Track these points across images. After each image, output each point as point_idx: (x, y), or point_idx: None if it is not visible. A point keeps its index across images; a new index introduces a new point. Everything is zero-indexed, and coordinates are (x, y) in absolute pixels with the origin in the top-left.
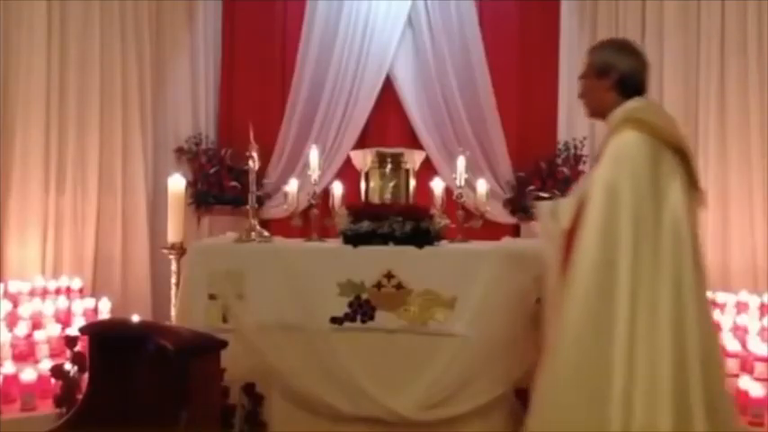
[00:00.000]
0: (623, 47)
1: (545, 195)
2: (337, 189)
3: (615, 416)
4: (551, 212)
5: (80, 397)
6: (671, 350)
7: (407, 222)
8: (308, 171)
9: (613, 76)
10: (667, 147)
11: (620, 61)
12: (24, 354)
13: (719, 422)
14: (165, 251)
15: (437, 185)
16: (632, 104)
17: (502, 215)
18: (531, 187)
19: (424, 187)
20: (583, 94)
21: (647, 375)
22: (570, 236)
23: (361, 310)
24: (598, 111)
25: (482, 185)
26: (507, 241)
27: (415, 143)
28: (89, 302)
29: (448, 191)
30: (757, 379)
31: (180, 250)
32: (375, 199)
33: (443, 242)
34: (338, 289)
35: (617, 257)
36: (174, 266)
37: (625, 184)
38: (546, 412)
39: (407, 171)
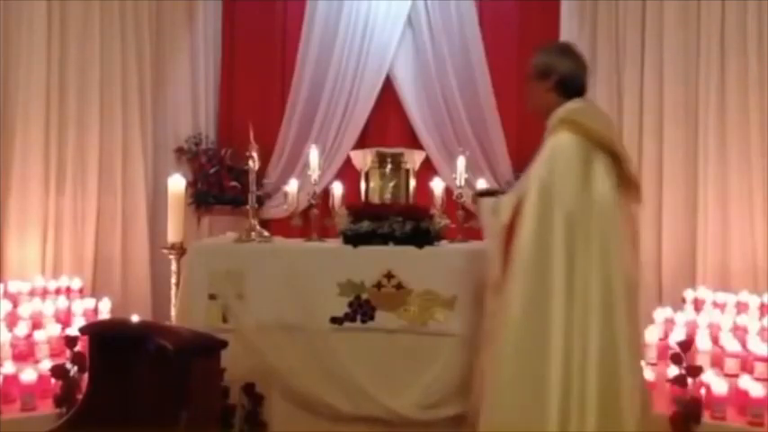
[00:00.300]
0: (563, 50)
1: (487, 190)
2: (337, 189)
3: (553, 416)
4: (492, 209)
5: (80, 397)
6: (599, 345)
7: (407, 222)
8: (308, 171)
9: (553, 77)
10: (600, 148)
11: (560, 64)
12: (24, 354)
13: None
14: (165, 251)
15: (437, 185)
16: (570, 106)
17: None
18: None
19: (424, 187)
20: (527, 95)
21: (579, 372)
22: (510, 231)
23: (361, 310)
24: (540, 111)
25: (482, 185)
26: None
27: (415, 143)
28: (89, 302)
29: (448, 191)
30: (757, 379)
31: (180, 250)
32: (375, 199)
33: (443, 242)
34: (338, 289)
35: (551, 254)
36: (174, 266)
37: (558, 182)
38: (491, 414)
39: (407, 171)
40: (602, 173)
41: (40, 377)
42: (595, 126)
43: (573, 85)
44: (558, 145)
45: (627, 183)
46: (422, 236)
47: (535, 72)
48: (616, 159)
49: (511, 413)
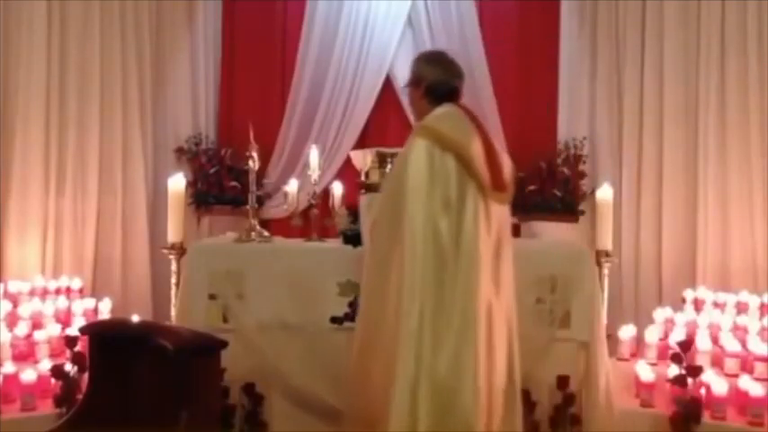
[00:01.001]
0: (432, 59)
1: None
2: (337, 189)
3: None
4: (368, 205)
5: (80, 397)
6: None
7: None
8: (308, 171)
9: (423, 85)
10: (450, 153)
11: (429, 72)
12: (24, 354)
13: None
14: (165, 251)
15: None
16: (436, 111)
17: None
18: (532, 187)
19: None
20: (408, 101)
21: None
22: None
23: None
24: (418, 116)
25: None
26: None
27: None
28: (89, 302)
29: None
30: (757, 379)
31: (180, 250)
32: None
33: None
34: (338, 289)
35: (400, 253)
36: (174, 266)
37: (407, 184)
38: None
39: None
40: (450, 175)
41: (40, 377)
42: (448, 133)
43: (441, 92)
44: (410, 149)
45: (482, 185)
46: None
47: (410, 80)
48: (467, 164)
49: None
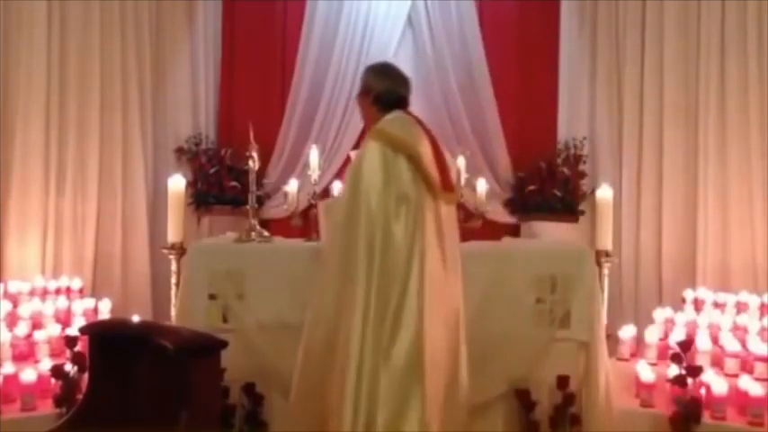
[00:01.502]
0: (380, 70)
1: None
2: (337, 189)
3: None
4: (327, 208)
5: (80, 397)
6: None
7: None
8: (308, 171)
9: (372, 94)
10: (402, 154)
11: (377, 83)
12: (24, 354)
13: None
14: (165, 251)
15: None
16: (387, 117)
17: (502, 215)
18: (532, 187)
19: None
20: (360, 110)
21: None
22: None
23: None
24: (369, 123)
25: (482, 185)
26: (507, 241)
27: None
28: (89, 302)
29: None
30: (757, 379)
31: (180, 250)
32: None
33: None
34: None
35: (355, 251)
36: (174, 266)
37: (362, 185)
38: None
39: None
40: (403, 174)
41: (40, 377)
42: (398, 135)
43: (390, 100)
44: (364, 152)
45: (429, 185)
46: None
47: (360, 90)
48: (417, 164)
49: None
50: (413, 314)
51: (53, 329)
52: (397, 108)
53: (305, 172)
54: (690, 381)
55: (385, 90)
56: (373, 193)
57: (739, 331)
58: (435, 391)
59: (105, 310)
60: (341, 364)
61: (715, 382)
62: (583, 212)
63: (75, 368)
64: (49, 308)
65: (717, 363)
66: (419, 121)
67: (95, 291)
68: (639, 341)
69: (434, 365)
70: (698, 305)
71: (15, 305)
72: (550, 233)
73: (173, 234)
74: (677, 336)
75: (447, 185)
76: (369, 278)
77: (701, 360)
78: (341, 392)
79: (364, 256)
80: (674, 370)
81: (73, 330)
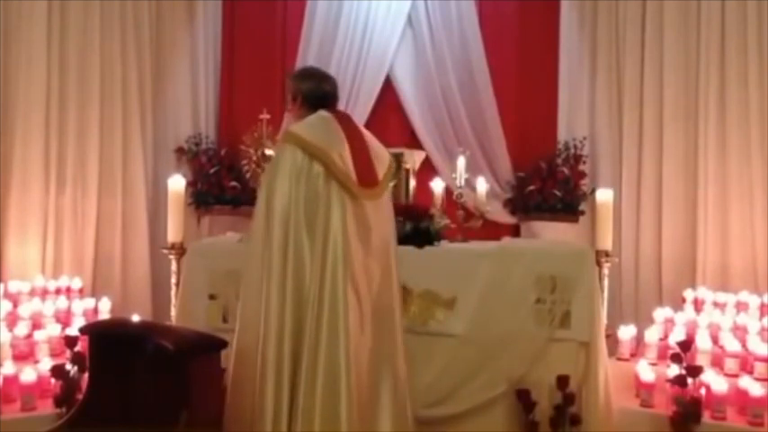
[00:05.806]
0: (304, 74)
1: None
2: None
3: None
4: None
5: (80, 397)
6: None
7: (407, 222)
8: None
9: (299, 97)
10: (312, 154)
11: (301, 85)
12: (24, 354)
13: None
14: (165, 251)
15: (437, 185)
16: (307, 118)
17: (502, 215)
18: (532, 187)
19: (424, 187)
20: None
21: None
22: None
23: None
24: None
25: (482, 185)
26: (507, 241)
27: (415, 143)
28: (89, 302)
29: (448, 191)
30: (757, 379)
31: (180, 250)
32: None
33: (443, 242)
34: None
35: (271, 251)
36: (174, 266)
37: (273, 186)
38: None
39: (407, 171)
40: (313, 174)
41: (40, 377)
42: (307, 135)
43: (315, 99)
44: (277, 154)
45: (342, 185)
46: (422, 236)
47: (289, 98)
48: (326, 164)
49: None
50: (331, 322)
51: (53, 329)
52: (325, 106)
53: None
54: (690, 381)
55: (309, 90)
56: (282, 197)
57: (739, 331)
58: (360, 396)
59: (105, 310)
60: (260, 372)
61: (715, 382)
62: (583, 212)
63: (75, 368)
64: (49, 308)
65: (717, 363)
66: (346, 119)
67: (95, 291)
68: (639, 341)
69: (358, 370)
70: (698, 305)
71: (15, 305)
72: (550, 233)
73: (173, 234)
74: (677, 336)
75: (368, 181)
76: (282, 287)
77: (701, 360)
78: (260, 407)
79: (278, 263)
80: (674, 370)
81: (73, 330)
